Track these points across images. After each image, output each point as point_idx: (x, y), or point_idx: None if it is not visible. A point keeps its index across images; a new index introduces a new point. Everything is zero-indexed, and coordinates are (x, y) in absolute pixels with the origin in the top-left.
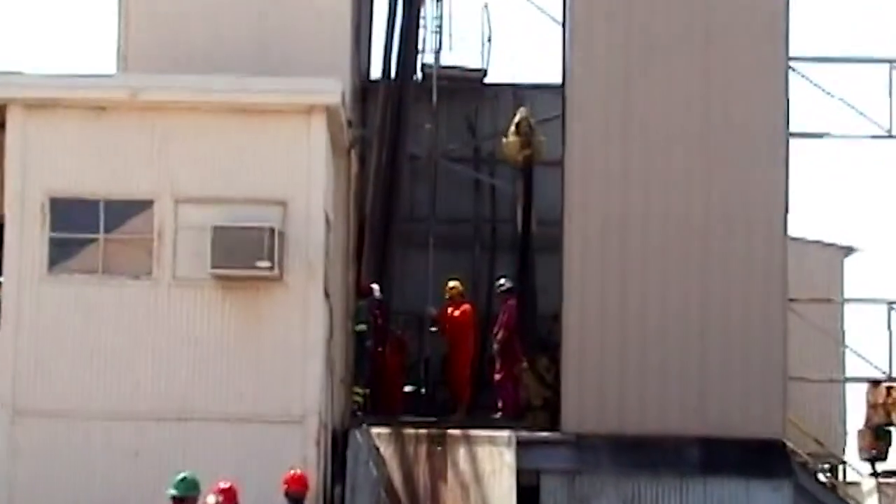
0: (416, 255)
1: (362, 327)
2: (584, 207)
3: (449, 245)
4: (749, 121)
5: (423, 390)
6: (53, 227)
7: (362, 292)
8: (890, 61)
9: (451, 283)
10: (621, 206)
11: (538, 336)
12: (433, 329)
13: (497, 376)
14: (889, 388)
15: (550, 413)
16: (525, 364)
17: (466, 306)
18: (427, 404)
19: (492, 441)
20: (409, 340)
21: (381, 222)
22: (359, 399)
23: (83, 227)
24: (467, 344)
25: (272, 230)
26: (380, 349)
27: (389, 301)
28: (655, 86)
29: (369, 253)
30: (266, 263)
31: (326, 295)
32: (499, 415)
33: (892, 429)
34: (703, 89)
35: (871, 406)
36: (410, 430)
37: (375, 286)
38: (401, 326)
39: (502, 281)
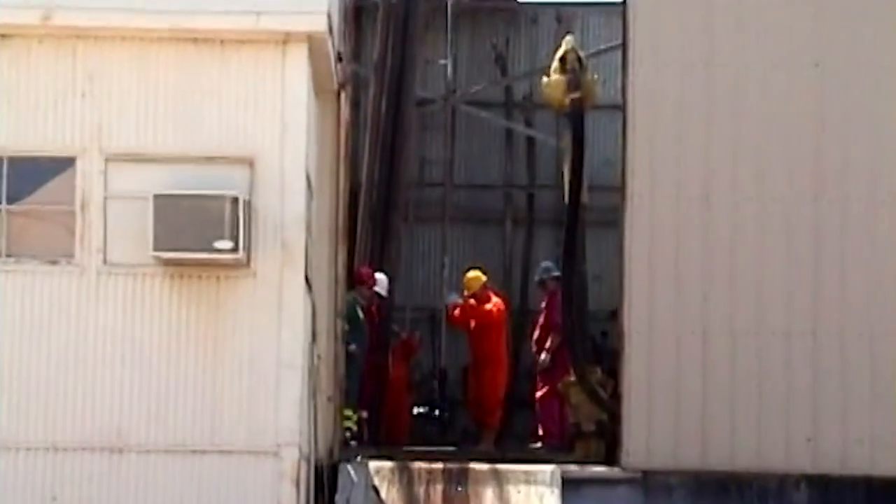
0: (428, 231)
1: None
2: (651, 170)
3: (471, 218)
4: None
5: (437, 412)
6: None
7: (359, 282)
8: None
9: (471, 274)
10: (703, 171)
11: (590, 340)
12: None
13: (538, 393)
14: None
15: (607, 442)
16: (573, 377)
17: (497, 301)
18: (443, 430)
19: (530, 478)
20: (417, 345)
21: (380, 188)
22: (352, 424)
23: None
24: (497, 350)
25: (235, 199)
26: (379, 358)
27: (392, 292)
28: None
29: (365, 229)
30: (227, 244)
31: (308, 286)
32: (539, 444)
33: None
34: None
35: None
36: (420, 465)
37: (381, 275)
38: (407, 327)
39: (546, 266)
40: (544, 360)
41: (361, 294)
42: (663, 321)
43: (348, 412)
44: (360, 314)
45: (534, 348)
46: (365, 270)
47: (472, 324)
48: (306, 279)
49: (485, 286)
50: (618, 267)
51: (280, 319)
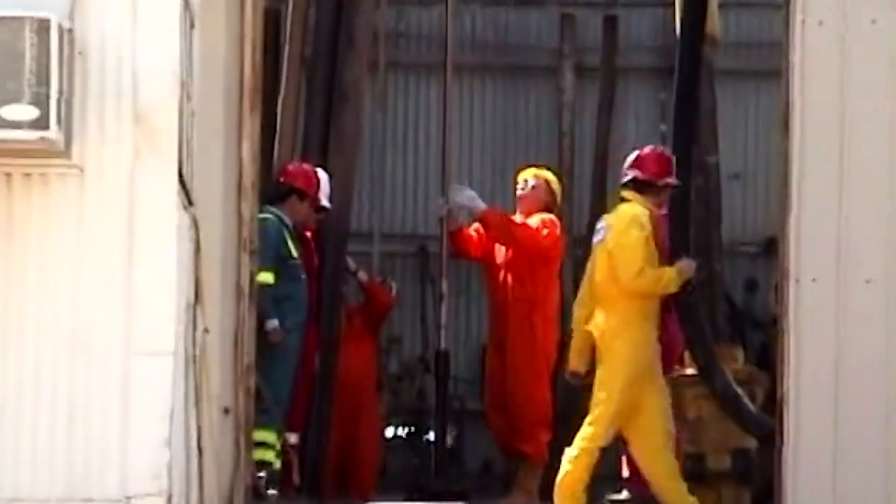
0: (415, 86)
1: (268, 277)
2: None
3: (495, 65)
4: None
5: (431, 433)
6: None
7: (287, 187)
8: None
9: (524, 176)
10: None
11: (723, 298)
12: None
13: None
14: None
15: (755, 492)
16: (689, 369)
17: (548, 220)
18: (443, 466)
19: None
20: (392, 303)
21: (325, 8)
22: (270, 457)
23: None
24: (545, 318)
25: (44, 26)
26: (323, 334)
27: (345, 206)
28: None
29: (294, 88)
30: (31, 111)
31: (186, 197)
32: (624, 494)
33: None
34: None
35: None
36: None
37: (323, 175)
38: (376, 274)
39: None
40: None
41: (293, 211)
42: (867, 260)
43: (265, 435)
44: (292, 251)
45: None
46: (298, 167)
47: (503, 259)
48: (181, 183)
49: (549, 187)
50: (777, 158)
51: (129, 261)
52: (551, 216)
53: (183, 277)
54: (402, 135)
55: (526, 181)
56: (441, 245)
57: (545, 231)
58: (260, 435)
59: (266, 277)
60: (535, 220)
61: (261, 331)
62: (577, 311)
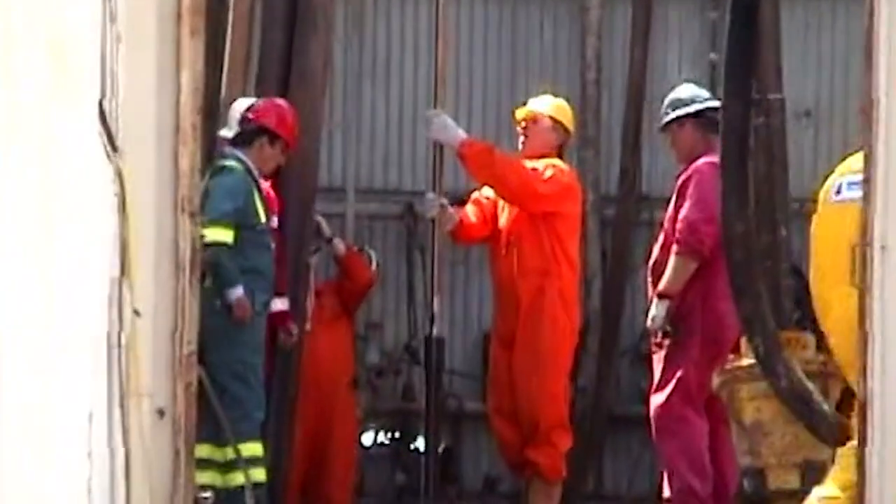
0: (403, 4)
1: (227, 235)
2: None
3: None
4: None
5: (420, 441)
6: None
7: (257, 124)
8: None
9: (521, 114)
10: None
11: (788, 269)
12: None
13: (659, 399)
14: None
15: None
16: (745, 359)
17: (557, 165)
18: (435, 482)
19: None
20: (373, 277)
21: None
22: (262, 475)
23: None
24: (561, 287)
25: None
26: (284, 318)
27: (314, 153)
28: None
29: (251, 6)
30: None
31: (111, 142)
32: None
33: None
34: None
35: None
36: None
37: (281, 104)
38: (353, 239)
39: (685, 94)
40: (667, 317)
41: (261, 158)
42: None
43: (252, 448)
44: (259, 213)
45: (649, 289)
46: (269, 103)
47: (505, 221)
48: (103, 126)
49: (548, 128)
50: (857, 94)
51: (39, 225)
52: (561, 163)
53: (105, 246)
54: (384, 65)
55: (524, 121)
56: (434, 170)
57: (547, 174)
58: (247, 449)
59: (224, 235)
60: (533, 164)
61: (210, 312)
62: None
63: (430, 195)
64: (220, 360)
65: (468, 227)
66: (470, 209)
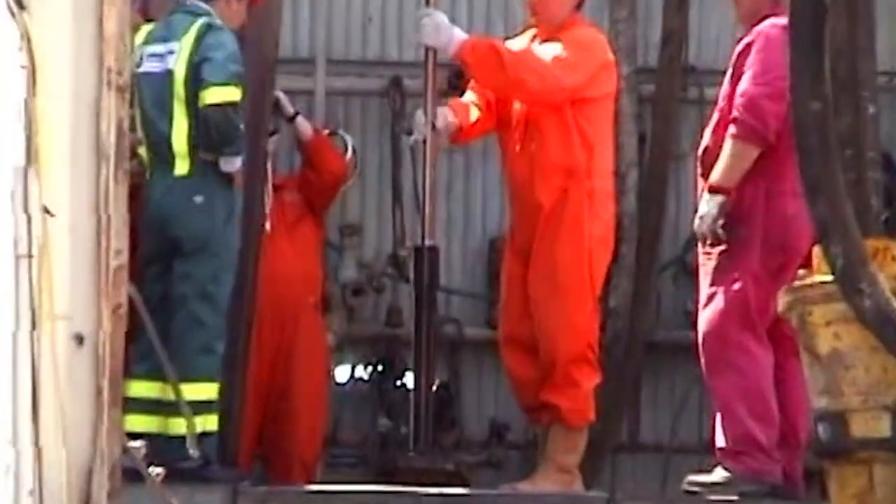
0: None
1: (234, 93)
2: None
3: None
4: None
5: (408, 377)
6: None
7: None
8: None
9: None
10: None
11: (879, 165)
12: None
13: (706, 324)
14: None
15: None
16: (817, 272)
17: (580, 39)
18: (425, 427)
19: None
20: (347, 169)
21: None
22: (214, 424)
23: None
24: (591, 189)
25: None
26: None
27: (275, 15)
28: None
29: None
30: None
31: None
32: (717, 474)
33: None
34: None
35: None
36: None
37: None
38: (323, 121)
39: None
40: (720, 217)
41: (226, 14)
42: None
43: (207, 389)
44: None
45: (699, 183)
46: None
47: (520, 108)
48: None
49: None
50: None
51: None
52: (587, 31)
53: (8, 126)
54: None
55: None
56: (426, 79)
57: (573, 57)
58: (197, 390)
59: (234, 94)
60: (551, 48)
61: (189, 209)
62: None
63: (419, 115)
64: (196, 271)
65: (468, 130)
66: (470, 97)
